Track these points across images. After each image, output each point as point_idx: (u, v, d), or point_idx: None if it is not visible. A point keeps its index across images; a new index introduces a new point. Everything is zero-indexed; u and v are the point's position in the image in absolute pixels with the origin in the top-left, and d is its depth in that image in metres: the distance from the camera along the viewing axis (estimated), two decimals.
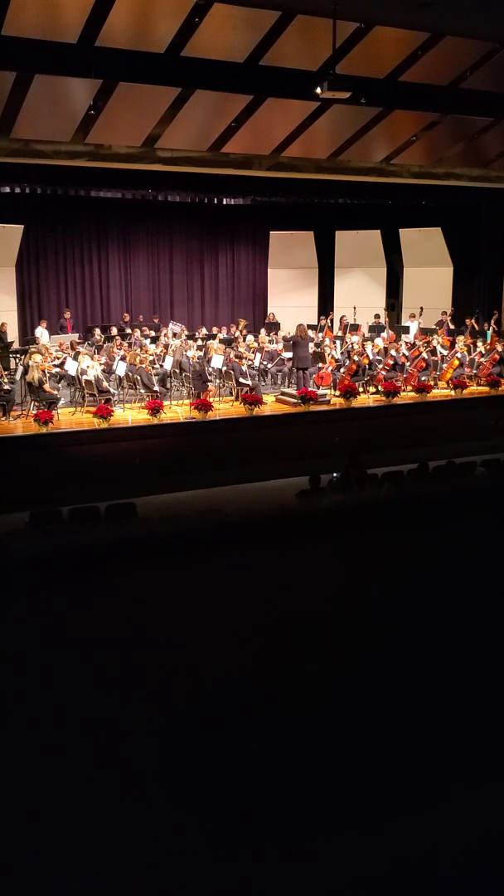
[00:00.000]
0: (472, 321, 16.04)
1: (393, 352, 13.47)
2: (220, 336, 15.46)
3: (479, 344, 14.70)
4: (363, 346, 13.77)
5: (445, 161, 14.18)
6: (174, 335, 15.23)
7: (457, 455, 11.78)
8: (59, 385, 11.79)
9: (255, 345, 14.53)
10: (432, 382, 13.10)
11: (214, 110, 11.31)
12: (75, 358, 11.86)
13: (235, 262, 19.15)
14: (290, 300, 18.84)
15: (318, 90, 9.21)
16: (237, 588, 6.74)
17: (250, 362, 12.91)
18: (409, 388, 12.79)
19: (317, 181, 14.15)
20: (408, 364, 13.34)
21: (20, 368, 11.78)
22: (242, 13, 9.42)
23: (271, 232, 18.95)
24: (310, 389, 12.00)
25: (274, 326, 16.87)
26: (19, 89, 9.98)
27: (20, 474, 9.72)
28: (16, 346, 14.56)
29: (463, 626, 5.97)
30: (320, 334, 15.36)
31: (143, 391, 11.64)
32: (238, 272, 19.22)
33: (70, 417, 11.06)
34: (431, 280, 17.82)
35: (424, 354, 13.60)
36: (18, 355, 13.40)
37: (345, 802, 4.11)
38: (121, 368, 11.95)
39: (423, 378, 13.07)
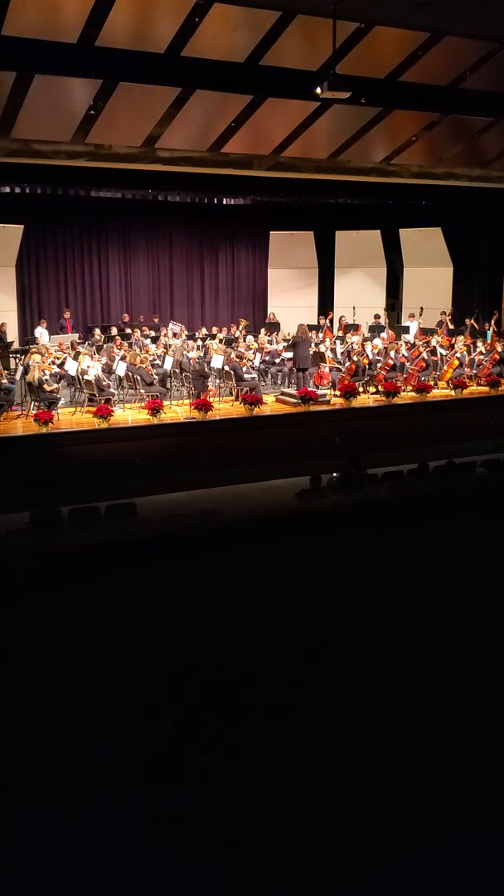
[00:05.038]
0: (472, 321, 16.05)
1: (392, 352, 13.48)
2: (220, 336, 15.47)
3: (479, 344, 14.70)
4: (363, 346, 13.78)
5: (445, 161, 14.17)
6: (174, 335, 15.24)
7: (457, 455, 11.77)
8: (59, 385, 11.79)
9: (255, 345, 14.54)
10: (432, 382, 13.10)
11: (214, 110, 11.30)
12: (75, 358, 11.86)
13: (235, 262, 19.15)
14: (290, 300, 18.84)
15: (318, 90, 9.22)
16: (237, 588, 6.74)
17: (250, 362, 12.91)
18: (409, 388, 12.80)
19: (317, 181, 14.14)
20: (408, 364, 13.35)
21: (20, 368, 11.78)
22: (242, 13, 9.42)
23: (271, 232, 18.95)
24: (310, 389, 12.00)
25: (274, 326, 16.88)
26: (19, 89, 9.98)
27: (20, 474, 9.72)
28: (16, 346, 14.56)
29: (463, 626, 5.97)
30: (320, 334, 15.36)
31: (143, 391, 11.64)
32: (238, 272, 19.22)
33: (70, 417, 11.06)
34: (431, 280, 17.82)
35: (424, 354, 13.61)
36: (18, 355, 13.40)
37: (346, 801, 4.11)
38: (121, 368, 11.95)
39: (423, 378, 13.08)
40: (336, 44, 9.43)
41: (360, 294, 18.25)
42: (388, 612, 6.25)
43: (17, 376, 11.76)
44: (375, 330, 16.13)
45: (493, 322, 16.05)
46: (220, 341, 14.49)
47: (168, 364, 12.67)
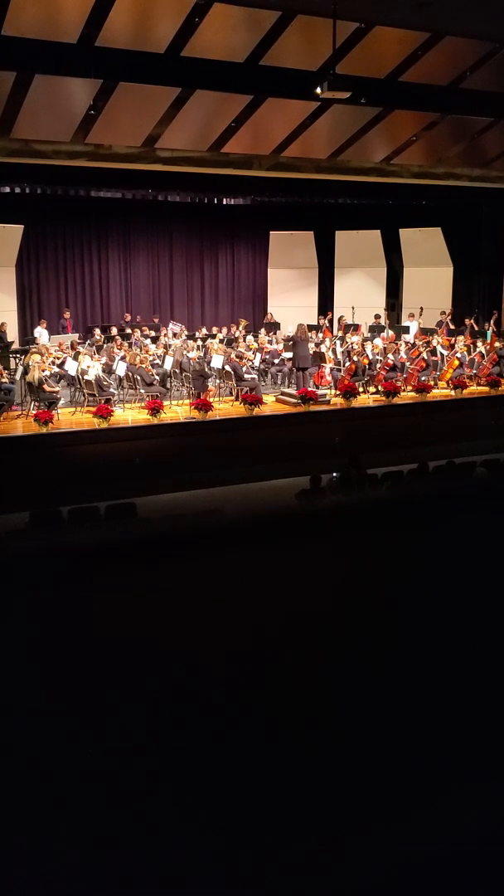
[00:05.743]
0: (472, 321, 16.04)
1: (392, 353, 13.47)
2: (220, 336, 15.46)
3: (479, 344, 14.70)
4: (363, 346, 13.78)
5: (445, 161, 14.17)
6: (174, 335, 15.24)
7: (457, 455, 11.78)
8: (59, 385, 11.80)
9: (255, 345, 14.54)
10: (432, 382, 13.10)
11: (214, 110, 11.30)
12: (75, 358, 11.87)
13: (235, 262, 19.15)
14: (290, 300, 18.84)
15: (318, 90, 9.22)
16: (237, 588, 6.74)
17: (250, 362, 12.91)
18: (409, 388, 12.80)
19: (317, 181, 14.14)
20: (408, 364, 13.34)
21: (20, 368, 11.78)
22: (242, 13, 9.42)
23: (271, 232, 18.95)
24: (310, 389, 12.00)
25: (273, 326, 16.88)
26: (19, 89, 9.97)
27: (20, 474, 9.72)
28: (16, 346, 14.56)
29: (463, 626, 5.97)
30: (319, 335, 15.37)
31: (143, 391, 11.64)
32: (238, 272, 19.22)
33: (70, 417, 11.06)
34: (431, 280, 17.82)
35: (424, 354, 13.60)
36: (18, 355, 13.40)
37: (346, 801, 4.11)
38: (121, 368, 11.95)
39: (423, 378, 13.08)
40: (336, 44, 9.43)
41: (360, 294, 18.25)
42: (389, 613, 6.25)
43: (17, 376, 11.76)
44: (375, 330, 16.13)
45: (492, 322, 16.04)
46: (220, 341, 14.48)
47: (168, 364, 12.67)
